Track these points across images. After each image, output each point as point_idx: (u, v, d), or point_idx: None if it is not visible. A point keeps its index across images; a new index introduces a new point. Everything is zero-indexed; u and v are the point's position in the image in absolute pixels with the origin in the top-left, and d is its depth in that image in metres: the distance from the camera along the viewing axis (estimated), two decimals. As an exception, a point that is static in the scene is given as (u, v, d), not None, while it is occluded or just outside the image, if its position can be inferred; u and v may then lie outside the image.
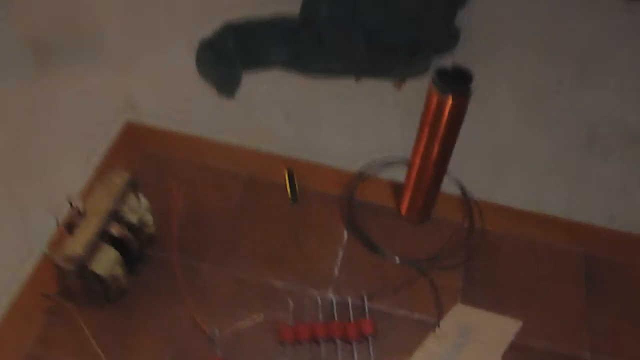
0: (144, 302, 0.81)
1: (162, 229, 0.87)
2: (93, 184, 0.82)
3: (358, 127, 1.84)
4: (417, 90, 2.04)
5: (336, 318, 0.80)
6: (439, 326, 0.80)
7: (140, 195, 0.81)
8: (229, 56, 2.00)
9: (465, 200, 0.96)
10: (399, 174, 0.99)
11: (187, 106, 1.87)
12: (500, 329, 0.82)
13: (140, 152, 1.00)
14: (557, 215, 0.97)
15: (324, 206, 0.95)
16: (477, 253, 0.91)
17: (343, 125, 1.84)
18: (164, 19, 2.22)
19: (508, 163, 1.83)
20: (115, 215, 0.78)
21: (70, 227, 0.77)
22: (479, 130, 1.92)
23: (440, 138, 0.77)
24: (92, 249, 0.74)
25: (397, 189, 0.97)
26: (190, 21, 2.20)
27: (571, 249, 0.92)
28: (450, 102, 0.73)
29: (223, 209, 0.94)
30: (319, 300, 0.82)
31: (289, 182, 0.96)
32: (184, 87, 1.95)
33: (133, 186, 0.81)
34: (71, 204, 0.79)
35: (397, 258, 0.88)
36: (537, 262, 0.90)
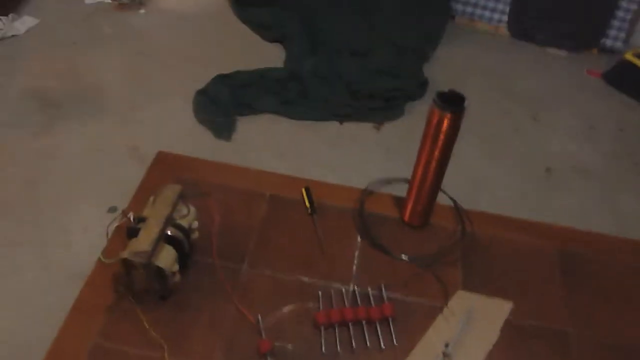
0: (193, 299, 0.93)
1: (202, 240, 1.00)
2: (149, 196, 0.96)
3: (345, 164, 2.03)
4: (394, 131, 2.26)
5: (360, 304, 0.94)
6: (446, 307, 0.95)
7: (189, 204, 0.95)
8: (223, 104, 2.18)
9: (457, 209, 1.13)
10: (397, 190, 1.16)
11: (187, 148, 2.01)
12: (496, 308, 0.97)
13: (172, 177, 1.14)
14: (533, 219, 1.15)
15: (337, 217, 1.10)
16: (471, 251, 1.07)
17: (332, 163, 2.02)
18: (160, 73, 2.40)
19: (478, 192, 2.03)
20: (170, 220, 0.91)
21: (131, 232, 0.89)
22: (452, 166, 2.13)
23: (440, 148, 0.94)
24: (155, 248, 0.86)
25: (398, 201, 1.13)
26: (184, 74, 2.39)
27: (548, 245, 1.09)
28: (448, 117, 0.91)
29: (251, 222, 1.07)
30: (344, 291, 0.96)
31: (307, 197, 1.11)
32: (183, 132, 2.11)
33: (183, 197, 0.94)
34: (126, 215, 0.92)
35: (405, 256, 1.03)
36: (520, 256, 1.07)
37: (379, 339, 0.90)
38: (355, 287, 0.97)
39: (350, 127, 2.23)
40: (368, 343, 0.90)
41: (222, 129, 2.11)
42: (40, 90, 2.23)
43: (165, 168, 1.17)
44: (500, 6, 2.94)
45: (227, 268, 0.98)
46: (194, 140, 2.08)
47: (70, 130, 2.07)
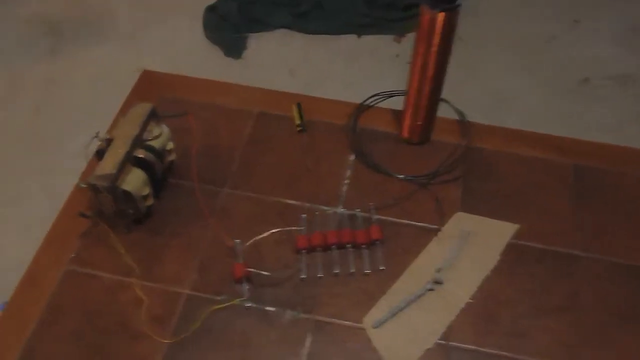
0: (169, 222, 0.89)
1: (182, 161, 0.95)
2: (118, 117, 0.90)
3: (361, 80, 1.91)
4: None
5: (347, 227, 0.88)
6: (442, 230, 0.88)
7: (162, 124, 0.89)
8: (233, 20, 2.06)
9: (463, 122, 1.03)
10: (399, 104, 1.05)
11: (196, 68, 1.93)
12: (498, 231, 0.89)
13: (157, 96, 1.08)
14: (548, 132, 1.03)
15: (330, 134, 1.02)
16: (474, 168, 0.97)
17: (347, 79, 1.91)
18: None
19: (504, 106, 1.89)
20: (139, 141, 0.85)
21: (100, 154, 0.84)
22: (477, 78, 1.98)
23: (435, 53, 0.83)
24: (121, 170, 0.81)
25: (397, 116, 1.03)
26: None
27: (560, 160, 0.98)
28: (441, 18, 0.79)
29: (236, 142, 1.01)
30: (331, 214, 0.90)
31: (298, 113, 1.02)
32: (192, 52, 2.02)
33: (155, 116, 0.88)
34: (97, 136, 0.86)
35: (400, 175, 0.95)
36: (529, 173, 0.97)
37: (365, 263, 0.84)
38: (344, 209, 0.91)
39: (368, 40, 2.08)
40: (352, 268, 0.84)
41: (232, 46, 2.01)
42: (45, 16, 2.16)
43: (148, 88, 1.10)
44: None
45: (206, 190, 0.93)
46: (202, 59, 1.99)
47: (76, 55, 2.02)
